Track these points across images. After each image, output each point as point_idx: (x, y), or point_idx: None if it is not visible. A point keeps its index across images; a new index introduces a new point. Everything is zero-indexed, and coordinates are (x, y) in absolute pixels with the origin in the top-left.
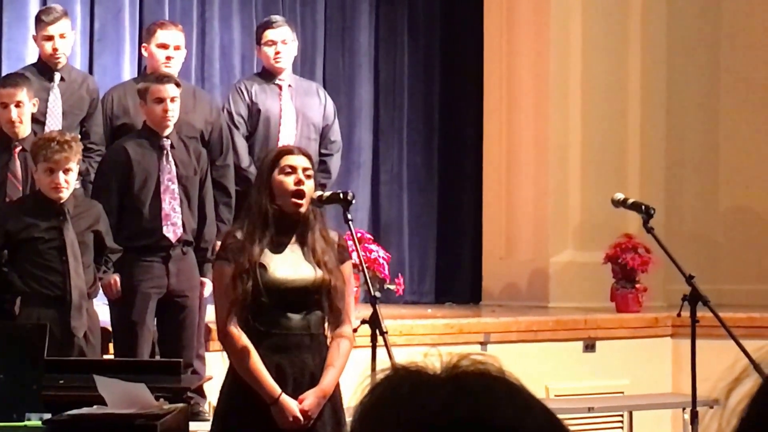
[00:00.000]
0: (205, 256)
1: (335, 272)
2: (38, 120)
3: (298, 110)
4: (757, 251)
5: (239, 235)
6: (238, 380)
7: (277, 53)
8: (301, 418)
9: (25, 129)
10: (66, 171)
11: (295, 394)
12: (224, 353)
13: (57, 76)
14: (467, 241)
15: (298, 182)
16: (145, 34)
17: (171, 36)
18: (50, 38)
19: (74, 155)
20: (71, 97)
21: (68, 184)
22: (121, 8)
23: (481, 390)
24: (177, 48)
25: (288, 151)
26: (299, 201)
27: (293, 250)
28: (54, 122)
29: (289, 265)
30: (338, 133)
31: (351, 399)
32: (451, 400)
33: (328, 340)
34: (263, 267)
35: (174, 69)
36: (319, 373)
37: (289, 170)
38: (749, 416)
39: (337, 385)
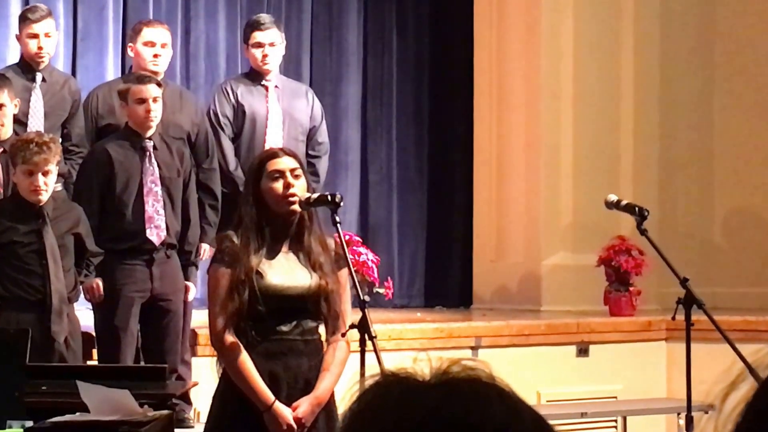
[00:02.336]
0: (189, 259)
1: (331, 276)
2: (20, 121)
3: (285, 111)
4: (753, 253)
5: (235, 239)
6: (231, 386)
7: (264, 56)
8: (295, 425)
9: (6, 131)
10: (45, 173)
11: (289, 401)
12: (214, 359)
13: (39, 77)
14: (457, 243)
15: (287, 186)
16: (131, 34)
17: (157, 34)
18: (35, 36)
19: (53, 157)
20: (53, 98)
21: (47, 186)
22: (105, 6)
23: (471, 396)
24: (164, 46)
25: (272, 155)
26: (292, 201)
27: (287, 257)
28: (36, 123)
29: (284, 272)
30: (326, 135)
31: (340, 405)
32: (440, 407)
33: (325, 346)
34: (259, 274)
35: (161, 67)
36: (314, 378)
37: (277, 175)
38: (745, 421)
39: (332, 393)
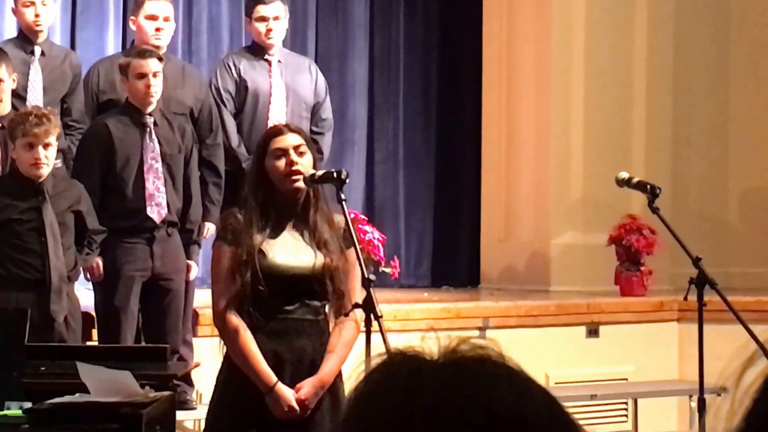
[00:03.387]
0: (191, 237)
1: (337, 254)
2: (19, 95)
3: (288, 87)
4: (767, 233)
5: (239, 216)
6: (233, 368)
7: (269, 30)
8: (297, 407)
9: (5, 107)
10: (45, 146)
11: (293, 382)
12: (218, 340)
13: (37, 50)
14: (465, 222)
15: (290, 163)
16: (133, 7)
17: (160, 7)
18: (31, 4)
19: (54, 128)
20: (52, 72)
21: (48, 159)
22: None
23: (481, 375)
24: (166, 19)
25: (276, 132)
26: (295, 178)
27: (293, 235)
28: (35, 97)
29: (289, 251)
30: (330, 111)
31: (347, 385)
32: (450, 386)
33: (331, 326)
34: (262, 253)
35: (164, 41)
36: (319, 359)
37: (280, 153)
38: (759, 403)
39: (339, 374)
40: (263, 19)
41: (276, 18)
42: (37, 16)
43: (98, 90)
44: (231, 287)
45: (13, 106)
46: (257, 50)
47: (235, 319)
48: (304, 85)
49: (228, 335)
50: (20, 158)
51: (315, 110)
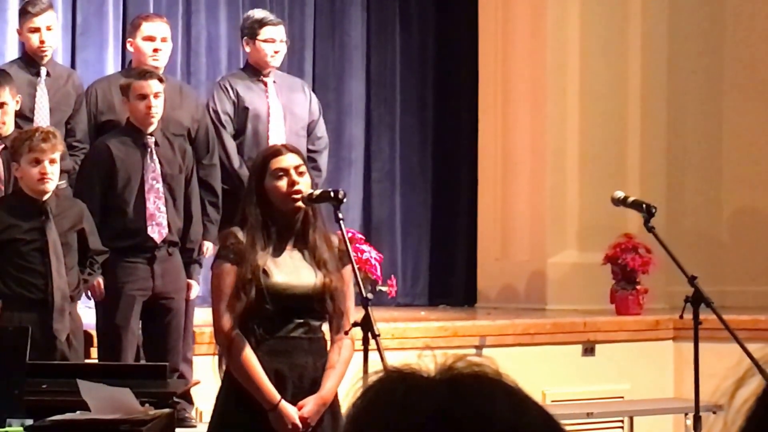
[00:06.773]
0: (191, 256)
1: (335, 274)
2: (26, 117)
3: (285, 107)
4: (762, 251)
5: (240, 236)
6: (234, 386)
7: (275, 52)
8: (300, 425)
9: (8, 128)
10: (51, 162)
11: (294, 400)
12: (215, 358)
13: (43, 71)
14: (462, 241)
15: (292, 183)
16: (130, 29)
17: (157, 28)
18: (37, 30)
19: (59, 145)
20: (57, 93)
21: (54, 176)
22: (104, 1)
23: (477, 392)
24: (164, 40)
25: (275, 152)
26: (296, 198)
27: (292, 255)
28: (42, 119)
29: (289, 271)
30: (324, 129)
31: (344, 403)
32: (446, 403)
33: (329, 345)
34: (265, 272)
35: (161, 62)
36: (319, 377)
37: (281, 173)
38: (752, 420)
39: (336, 391)
40: (272, 40)
41: (282, 41)
42: (42, 42)
43: (96, 111)
44: (236, 305)
45: (19, 128)
46: (252, 71)
47: (239, 338)
48: (300, 105)
49: (232, 353)
50: (26, 174)
51: (310, 129)
